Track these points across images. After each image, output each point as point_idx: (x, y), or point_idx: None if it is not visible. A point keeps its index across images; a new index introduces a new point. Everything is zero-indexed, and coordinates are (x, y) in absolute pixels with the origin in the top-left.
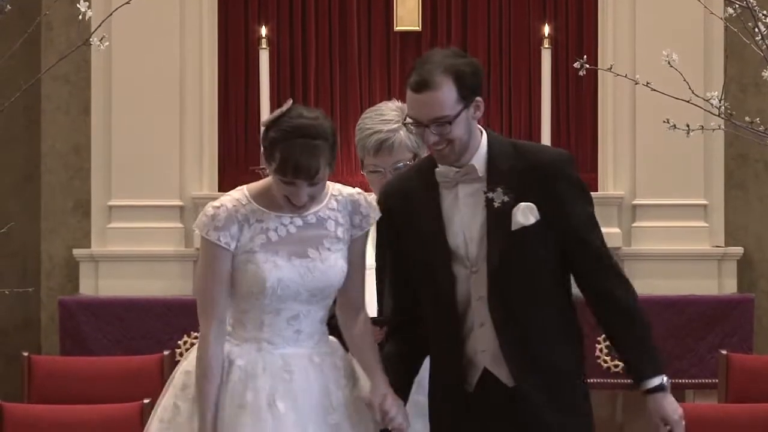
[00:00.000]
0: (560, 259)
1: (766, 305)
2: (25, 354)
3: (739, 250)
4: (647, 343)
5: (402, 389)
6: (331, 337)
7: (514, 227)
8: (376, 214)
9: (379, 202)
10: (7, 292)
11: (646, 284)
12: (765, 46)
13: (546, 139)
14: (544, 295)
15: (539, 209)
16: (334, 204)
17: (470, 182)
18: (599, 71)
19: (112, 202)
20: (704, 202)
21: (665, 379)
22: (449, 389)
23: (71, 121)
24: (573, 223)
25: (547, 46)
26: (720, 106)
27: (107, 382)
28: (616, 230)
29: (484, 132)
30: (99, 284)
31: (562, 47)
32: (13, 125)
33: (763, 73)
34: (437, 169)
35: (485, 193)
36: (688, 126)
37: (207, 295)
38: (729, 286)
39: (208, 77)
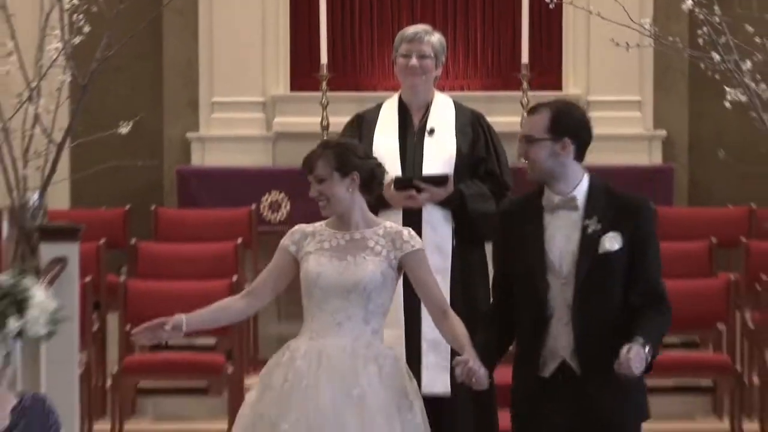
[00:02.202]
0: (627, 280)
1: (681, 173)
2: (153, 207)
3: (663, 132)
4: (661, 328)
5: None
6: (386, 348)
7: (600, 251)
8: (416, 243)
9: (460, 213)
10: (140, 164)
11: (599, 158)
12: None
13: (525, 52)
14: (615, 307)
15: (623, 240)
16: (381, 231)
17: (569, 210)
18: (564, 4)
19: (214, 99)
20: (638, 98)
21: (651, 346)
22: (530, 374)
23: (184, 42)
24: (645, 259)
25: None
26: (651, 30)
27: (211, 227)
28: None
29: (587, 174)
30: (205, 158)
31: None
32: (143, 46)
33: (682, 6)
34: (545, 195)
35: (584, 221)
36: (627, 44)
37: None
38: (656, 159)
39: (282, 5)
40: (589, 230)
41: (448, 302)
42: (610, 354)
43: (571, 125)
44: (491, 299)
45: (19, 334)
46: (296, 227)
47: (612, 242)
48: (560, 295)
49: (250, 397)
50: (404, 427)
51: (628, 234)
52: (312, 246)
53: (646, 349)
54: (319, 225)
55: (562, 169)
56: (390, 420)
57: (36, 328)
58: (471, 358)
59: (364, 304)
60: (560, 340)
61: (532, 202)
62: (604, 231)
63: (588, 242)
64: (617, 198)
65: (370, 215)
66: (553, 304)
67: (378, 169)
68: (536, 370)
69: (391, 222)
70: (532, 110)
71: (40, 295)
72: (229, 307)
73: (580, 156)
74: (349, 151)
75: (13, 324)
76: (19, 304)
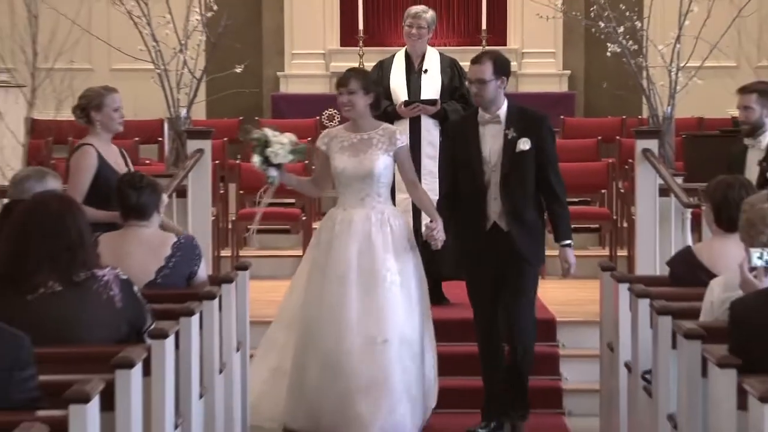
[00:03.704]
0: (536, 170)
1: (579, 97)
2: (256, 118)
3: (568, 72)
4: (567, 221)
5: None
6: (393, 208)
7: (517, 150)
8: (404, 140)
9: (444, 128)
10: (248, 91)
11: (531, 87)
12: None
13: (484, 21)
14: (527, 188)
15: (531, 142)
16: (381, 132)
17: (495, 124)
18: None
19: (293, 51)
20: (554, 50)
21: (571, 241)
22: (474, 228)
23: (275, 15)
24: (545, 154)
25: None
26: (561, 8)
27: (292, 130)
28: (516, 69)
29: (506, 99)
30: (288, 88)
31: None
32: (250, 18)
33: None
34: (479, 114)
35: (504, 131)
36: (547, 16)
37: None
38: (564, 88)
39: None
40: (509, 137)
41: (437, 178)
42: (523, 217)
43: (503, 68)
44: (447, 183)
45: (268, 162)
46: (325, 132)
47: (524, 144)
48: (491, 178)
49: (309, 249)
50: (404, 263)
51: (534, 138)
52: (336, 146)
53: (571, 244)
54: (340, 128)
55: (499, 97)
56: (394, 259)
57: (278, 158)
58: (437, 227)
59: (376, 184)
60: (492, 208)
61: (472, 119)
62: (519, 137)
63: (508, 144)
64: (526, 114)
65: (374, 121)
66: (486, 184)
67: (382, 97)
68: (480, 226)
69: (393, 126)
70: (477, 60)
71: (276, 138)
72: (309, 185)
73: (504, 87)
74: (371, 80)
75: (258, 158)
76: (264, 144)
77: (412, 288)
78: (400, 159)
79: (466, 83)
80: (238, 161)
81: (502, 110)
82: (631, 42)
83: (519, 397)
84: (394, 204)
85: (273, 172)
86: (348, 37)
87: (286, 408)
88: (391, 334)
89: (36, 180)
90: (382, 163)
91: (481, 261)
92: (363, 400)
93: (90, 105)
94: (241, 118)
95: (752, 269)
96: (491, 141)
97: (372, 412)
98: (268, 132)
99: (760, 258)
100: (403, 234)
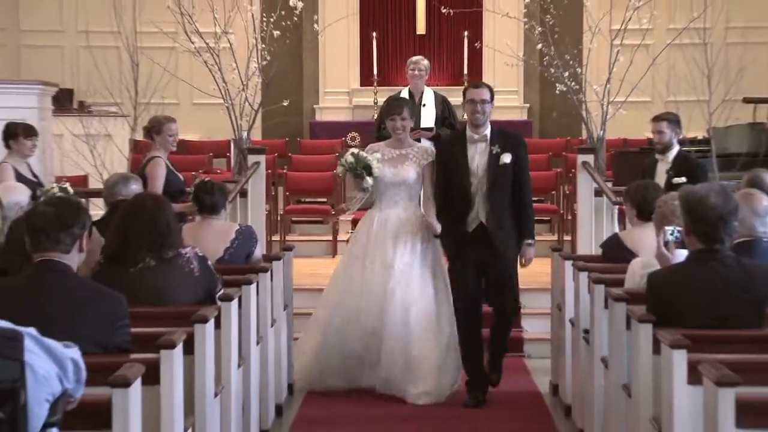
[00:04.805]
0: (513, 180)
1: (536, 123)
2: (298, 139)
3: (528, 105)
4: (532, 223)
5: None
6: (413, 207)
7: (500, 163)
8: (433, 156)
9: (437, 145)
10: (292, 119)
11: (503, 116)
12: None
13: (465, 67)
14: (507, 195)
15: (512, 157)
16: (416, 148)
17: (482, 142)
18: (483, 46)
19: (325, 90)
20: (517, 89)
21: (533, 240)
22: (460, 228)
23: (312, 62)
24: (522, 167)
25: None
26: (521, 58)
27: (324, 148)
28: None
29: (489, 122)
30: (322, 117)
31: None
32: (293, 65)
33: (536, 47)
34: (468, 134)
35: (490, 147)
36: (512, 64)
37: None
38: (524, 117)
39: (355, 45)
40: (494, 152)
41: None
42: (505, 220)
43: (493, 95)
44: (439, 190)
45: (362, 177)
46: (369, 146)
47: (506, 158)
48: (478, 188)
49: (350, 245)
50: (426, 251)
51: (514, 154)
52: (378, 157)
53: (532, 243)
54: (381, 144)
55: (488, 120)
56: (421, 248)
57: (378, 170)
58: (430, 218)
59: (409, 191)
60: (479, 212)
61: (461, 137)
62: (501, 152)
63: (493, 159)
64: (506, 134)
65: (411, 140)
66: (474, 192)
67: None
68: (464, 227)
69: (426, 144)
70: (479, 86)
71: (369, 157)
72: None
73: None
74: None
75: (369, 179)
76: (368, 168)
77: (431, 269)
78: (425, 171)
79: (465, 104)
80: (285, 171)
81: (488, 130)
82: (573, 83)
83: (496, 366)
84: None
85: (371, 181)
86: (365, 79)
87: (322, 369)
88: (418, 308)
89: (122, 184)
90: (414, 173)
91: (468, 253)
92: (401, 361)
93: (153, 128)
94: (286, 138)
95: (665, 243)
96: (478, 157)
97: (410, 367)
98: (363, 156)
99: (671, 234)
100: (424, 229)
